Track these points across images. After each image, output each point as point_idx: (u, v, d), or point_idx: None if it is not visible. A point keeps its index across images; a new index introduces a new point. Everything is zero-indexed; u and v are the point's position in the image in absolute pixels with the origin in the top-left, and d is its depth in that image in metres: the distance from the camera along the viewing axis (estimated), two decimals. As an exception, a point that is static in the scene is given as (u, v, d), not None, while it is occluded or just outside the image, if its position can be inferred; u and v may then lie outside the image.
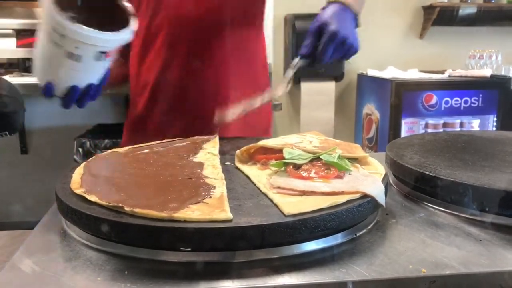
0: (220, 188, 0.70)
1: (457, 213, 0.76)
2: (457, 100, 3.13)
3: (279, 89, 1.09)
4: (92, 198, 0.67)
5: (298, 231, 0.60)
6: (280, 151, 0.80)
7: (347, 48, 1.05)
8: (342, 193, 0.67)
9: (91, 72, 0.91)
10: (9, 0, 2.96)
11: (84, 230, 0.66)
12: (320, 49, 1.03)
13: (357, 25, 1.09)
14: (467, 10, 3.53)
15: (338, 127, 3.57)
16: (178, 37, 1.19)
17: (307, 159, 0.76)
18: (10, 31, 2.66)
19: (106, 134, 2.88)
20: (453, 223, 0.73)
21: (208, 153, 0.92)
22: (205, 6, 1.17)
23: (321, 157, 0.76)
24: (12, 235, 0.90)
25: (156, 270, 0.58)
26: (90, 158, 0.89)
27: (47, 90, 0.90)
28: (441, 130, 3.10)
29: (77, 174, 0.79)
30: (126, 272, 0.58)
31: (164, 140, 1.03)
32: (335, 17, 1.04)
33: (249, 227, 0.58)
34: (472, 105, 3.15)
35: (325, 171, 0.73)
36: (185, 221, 0.59)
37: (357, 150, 0.86)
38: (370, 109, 3.31)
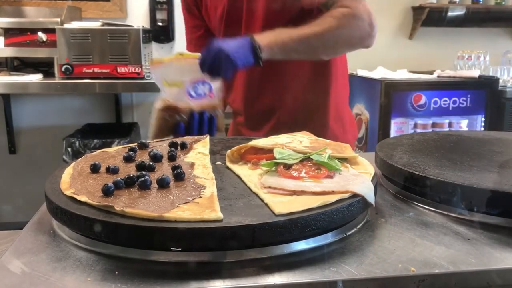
0: (210, 188, 0.70)
1: (445, 213, 0.77)
2: (445, 101, 3.15)
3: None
4: (82, 198, 0.66)
5: (289, 230, 0.60)
6: (270, 151, 0.81)
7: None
8: (332, 192, 0.67)
9: None
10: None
11: (74, 230, 0.66)
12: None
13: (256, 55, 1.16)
14: (456, 11, 3.56)
15: (328, 127, 3.57)
16: None
17: (298, 159, 0.76)
18: (-2, 29, 2.64)
19: (96, 134, 2.86)
20: (442, 222, 0.74)
21: (199, 153, 0.92)
22: None
23: (311, 157, 0.76)
24: (1, 235, 0.90)
25: (147, 270, 0.58)
26: (80, 158, 0.88)
27: None
28: (430, 130, 3.12)
29: (67, 174, 0.78)
30: (116, 272, 0.58)
31: (154, 140, 1.03)
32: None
33: (240, 226, 0.58)
34: (461, 105, 3.18)
35: (316, 171, 0.74)
36: (175, 221, 0.59)
37: (347, 150, 0.86)
38: (360, 109, 3.33)
